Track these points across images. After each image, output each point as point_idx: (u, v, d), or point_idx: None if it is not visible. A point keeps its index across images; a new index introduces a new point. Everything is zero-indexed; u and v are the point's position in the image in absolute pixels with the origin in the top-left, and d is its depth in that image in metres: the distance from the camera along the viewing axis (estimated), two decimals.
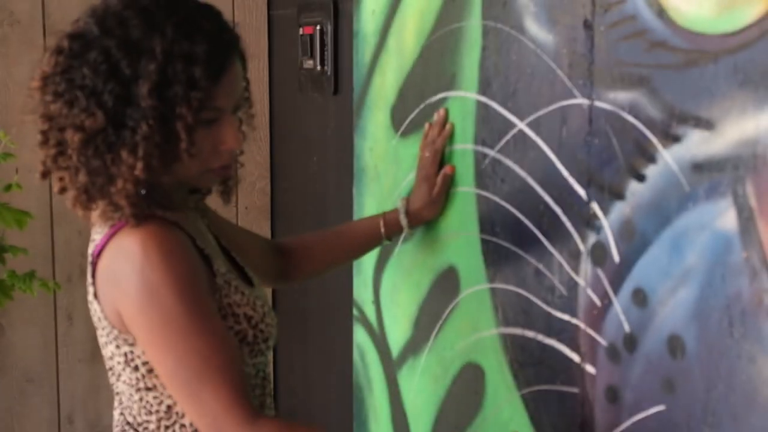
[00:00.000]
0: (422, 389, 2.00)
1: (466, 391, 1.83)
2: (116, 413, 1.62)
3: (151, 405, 1.54)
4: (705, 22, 1.21)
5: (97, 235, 1.50)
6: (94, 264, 1.49)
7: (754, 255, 1.16)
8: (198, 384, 1.42)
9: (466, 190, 1.79)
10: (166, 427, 1.55)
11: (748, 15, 1.15)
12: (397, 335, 2.09)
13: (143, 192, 1.45)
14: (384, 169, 2.11)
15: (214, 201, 1.69)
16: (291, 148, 2.93)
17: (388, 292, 2.13)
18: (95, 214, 1.50)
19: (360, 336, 2.30)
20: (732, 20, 1.17)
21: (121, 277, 1.44)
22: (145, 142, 1.41)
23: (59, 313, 3.00)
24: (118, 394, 1.60)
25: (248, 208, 3.07)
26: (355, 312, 2.32)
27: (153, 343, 1.44)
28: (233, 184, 1.71)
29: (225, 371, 1.43)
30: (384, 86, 2.08)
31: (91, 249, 1.51)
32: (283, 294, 2.99)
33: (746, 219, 1.17)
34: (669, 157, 1.28)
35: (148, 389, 1.53)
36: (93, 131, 1.41)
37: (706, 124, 1.22)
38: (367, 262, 2.21)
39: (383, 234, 1.90)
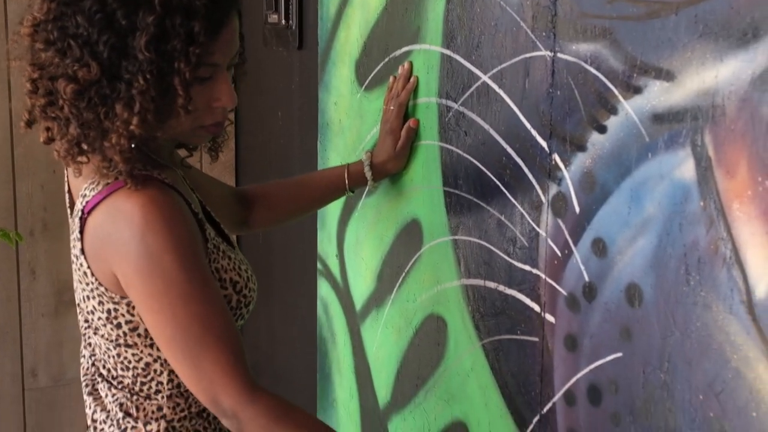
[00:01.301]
0: (385, 341, 2.02)
1: (428, 342, 1.85)
2: (86, 362, 1.63)
3: (129, 361, 1.55)
4: None
5: (89, 191, 1.47)
6: (84, 219, 1.47)
7: (710, 204, 1.18)
8: (198, 350, 1.42)
9: (429, 143, 1.80)
10: (143, 384, 1.56)
11: None
12: (361, 288, 2.11)
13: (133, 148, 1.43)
14: (348, 124, 2.12)
15: None
16: (256, 102, 2.92)
17: (351, 246, 2.15)
18: (87, 168, 1.48)
19: (324, 289, 2.31)
20: None
21: (120, 241, 1.42)
22: (141, 96, 1.38)
23: (22, 267, 3.00)
24: (90, 345, 1.60)
25: (212, 164, 3.06)
26: (319, 266, 2.33)
27: (153, 309, 1.43)
28: (222, 141, 1.71)
29: (225, 339, 1.43)
30: (348, 40, 2.09)
31: (80, 204, 1.49)
32: (248, 248, 3.00)
33: (704, 169, 1.19)
34: (630, 108, 1.30)
35: (128, 346, 1.53)
36: (86, 83, 1.38)
37: (667, 75, 1.23)
38: (331, 215, 2.22)
39: (347, 185, 1.91)
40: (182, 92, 1.40)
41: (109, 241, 1.43)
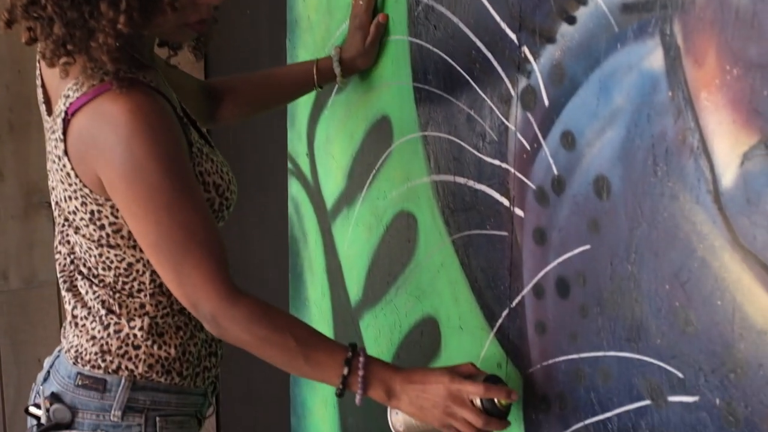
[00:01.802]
0: (356, 239, 2.03)
1: (398, 239, 1.86)
2: (63, 259, 1.63)
3: (111, 261, 1.56)
4: None
5: (73, 92, 1.45)
6: (67, 120, 1.45)
7: (679, 94, 1.18)
8: (181, 256, 1.43)
9: (399, 38, 1.79)
10: (125, 283, 1.57)
11: None
12: (331, 187, 2.11)
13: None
14: (317, 20, 2.09)
15: None
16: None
17: (322, 144, 2.14)
18: (75, 69, 1.45)
19: (294, 189, 2.31)
20: None
21: (105, 145, 1.41)
22: None
23: None
24: (69, 243, 1.60)
25: (181, 64, 3.02)
26: (289, 165, 2.32)
27: (137, 215, 1.43)
28: (206, 40, 1.69)
29: (207, 245, 1.44)
30: None
31: (63, 105, 1.47)
32: (218, 148, 2.98)
33: (673, 58, 1.19)
34: None
35: (110, 246, 1.54)
36: None
37: None
38: (301, 113, 2.20)
39: (315, 81, 1.90)
40: None
41: (95, 145, 1.43)
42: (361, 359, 1.48)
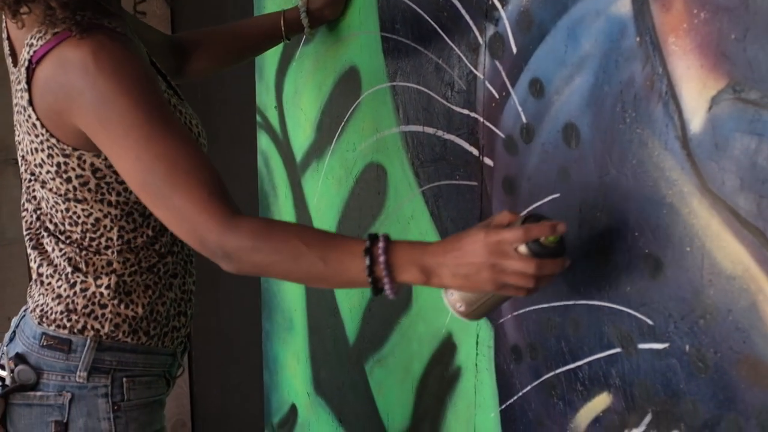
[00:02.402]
0: (326, 192, 2.01)
1: (368, 191, 1.84)
2: (30, 216, 1.60)
3: (78, 216, 1.53)
4: None
5: (36, 40, 1.42)
6: (32, 70, 1.43)
7: (646, 39, 1.17)
8: (169, 190, 1.36)
9: None
10: (92, 239, 1.55)
11: None
12: (301, 139, 2.09)
13: None
14: None
15: None
16: None
17: (290, 96, 2.12)
18: (31, 18, 1.42)
19: (264, 142, 2.29)
20: None
21: (74, 91, 1.38)
22: None
23: None
24: (35, 198, 1.58)
25: (148, 16, 2.99)
26: (258, 118, 2.30)
27: (119, 156, 1.39)
28: None
29: (195, 173, 1.37)
30: None
31: (26, 54, 1.44)
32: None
33: (640, 3, 1.17)
34: None
35: (77, 201, 1.51)
36: None
37: None
38: (269, 65, 2.18)
39: (283, 32, 1.87)
40: None
41: (64, 94, 1.40)
42: (381, 244, 1.30)
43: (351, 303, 1.96)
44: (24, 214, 1.62)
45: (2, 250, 3.06)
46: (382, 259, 1.30)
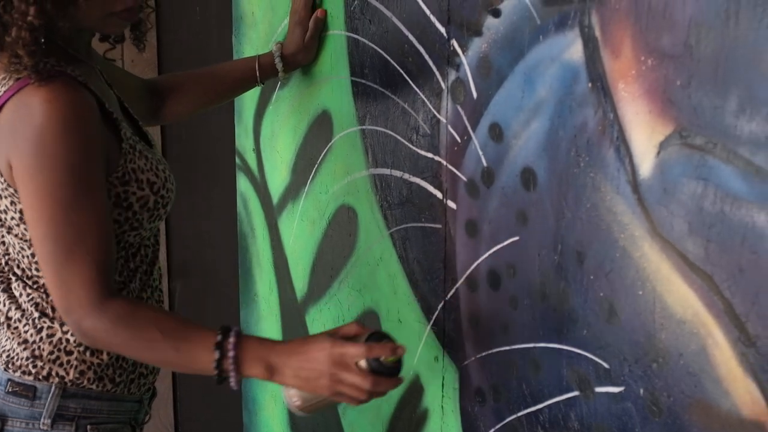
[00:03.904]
0: (301, 233, 2.03)
1: (340, 233, 1.86)
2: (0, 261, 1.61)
3: None
4: None
5: (1, 87, 1.45)
6: None
7: (598, 85, 1.19)
8: (64, 258, 1.41)
9: (337, 32, 1.79)
10: None
11: None
12: (277, 181, 2.11)
13: (43, 41, 1.40)
14: (260, 16, 2.09)
15: None
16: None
17: (267, 139, 2.14)
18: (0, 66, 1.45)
19: (243, 184, 2.30)
20: None
21: (19, 134, 1.40)
22: None
23: None
24: (3, 244, 1.58)
25: (134, 61, 3.01)
26: (237, 161, 2.32)
27: (33, 207, 1.41)
28: (145, 30, 1.68)
29: (95, 252, 1.42)
30: None
31: None
32: (171, 144, 2.98)
33: (591, 50, 1.19)
34: None
35: None
36: None
37: None
38: (248, 109, 2.20)
39: (258, 76, 1.89)
40: None
41: (11, 136, 1.41)
42: (231, 340, 1.41)
43: None
44: None
45: None
46: (231, 354, 1.40)
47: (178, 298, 3.13)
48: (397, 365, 1.40)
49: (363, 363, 1.37)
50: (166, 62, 3.02)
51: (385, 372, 1.38)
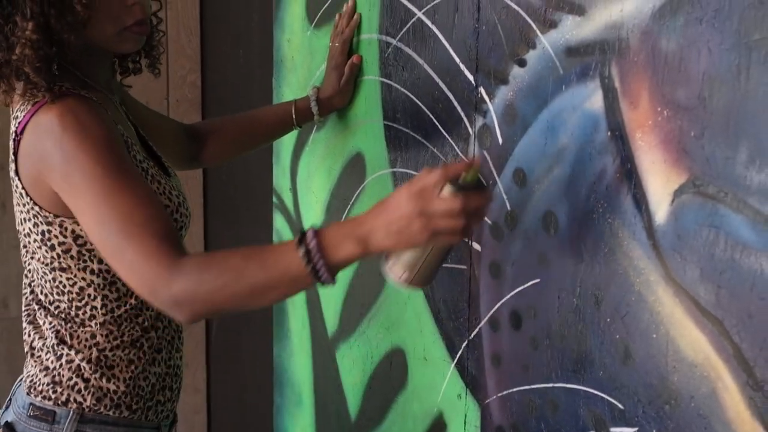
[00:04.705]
0: None
1: (370, 272, 1.90)
2: (27, 290, 1.65)
3: (64, 285, 1.58)
4: None
5: (20, 112, 1.51)
6: (18, 141, 1.50)
7: (617, 134, 1.23)
8: (123, 242, 1.39)
9: (371, 78, 1.84)
10: (78, 308, 1.59)
11: None
12: (311, 220, 2.16)
13: (55, 66, 1.46)
14: (300, 60, 2.15)
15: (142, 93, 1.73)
16: (220, 41, 2.95)
17: (303, 179, 2.19)
18: (17, 94, 1.51)
19: (279, 222, 2.36)
20: None
21: (45, 153, 1.45)
22: (32, 2, 1.42)
23: None
24: (30, 272, 1.63)
25: (179, 101, 3.09)
26: (274, 199, 2.38)
27: (82, 211, 1.44)
28: (158, 54, 1.73)
29: (148, 223, 1.39)
30: None
31: (13, 126, 1.52)
32: (212, 184, 3.05)
33: (611, 100, 1.24)
34: (546, 42, 1.34)
35: (62, 270, 1.56)
36: None
37: (579, 10, 1.27)
38: (285, 150, 2.26)
39: (294, 120, 1.95)
40: None
41: (38, 157, 1.47)
42: (309, 233, 1.32)
43: (354, 379, 2.00)
44: (24, 290, 1.67)
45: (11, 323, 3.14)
46: (313, 244, 1.31)
47: (215, 333, 3.18)
48: (480, 182, 1.30)
49: (446, 190, 1.27)
50: (210, 102, 3.10)
51: (470, 189, 1.27)
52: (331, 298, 2.09)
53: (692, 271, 1.14)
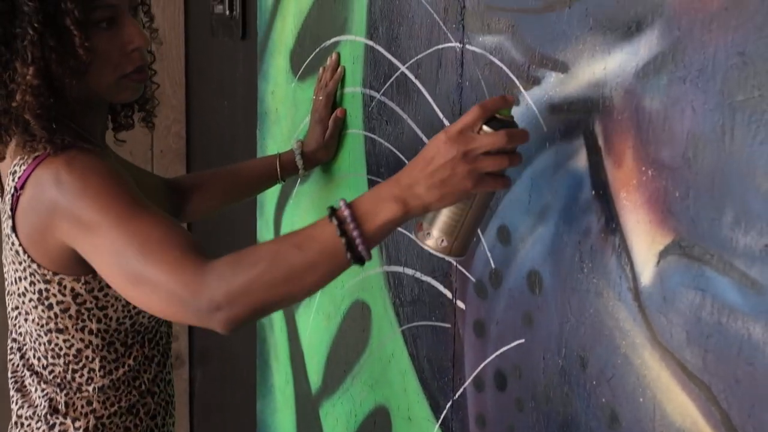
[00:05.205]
0: (316, 327, 2.04)
1: (354, 329, 1.88)
2: (15, 357, 1.61)
3: (60, 348, 1.53)
4: None
5: (19, 167, 1.46)
6: (17, 197, 1.46)
7: (601, 193, 1.21)
8: (143, 264, 1.31)
9: (355, 132, 1.83)
10: (74, 372, 1.54)
11: None
12: None
13: (53, 115, 1.42)
14: (284, 113, 2.14)
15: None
16: (205, 92, 2.94)
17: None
18: (11, 148, 1.48)
19: None
20: None
21: (50, 201, 1.40)
22: (33, 46, 1.39)
23: None
24: (20, 335, 1.58)
25: (163, 152, 3.08)
26: None
27: (97, 249, 1.37)
28: (152, 108, 1.71)
29: (167, 240, 1.32)
30: (284, 30, 2.11)
31: (11, 182, 1.48)
32: (195, 235, 3.02)
33: (595, 158, 1.22)
34: (530, 98, 1.33)
35: (59, 331, 1.52)
36: None
37: (562, 67, 1.26)
38: (269, 202, 2.24)
39: (279, 173, 1.93)
40: (76, 31, 1.40)
41: (43, 208, 1.42)
42: (341, 202, 1.23)
43: None
44: (10, 356, 1.62)
45: None
46: (346, 213, 1.22)
47: (198, 386, 3.14)
48: (513, 119, 1.23)
49: (485, 130, 1.19)
50: (194, 153, 3.09)
51: (508, 126, 1.21)
52: (315, 354, 2.06)
53: (679, 335, 1.11)
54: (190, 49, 3.02)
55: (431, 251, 1.28)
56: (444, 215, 1.25)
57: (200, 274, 1.27)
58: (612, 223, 1.20)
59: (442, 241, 1.26)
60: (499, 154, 1.19)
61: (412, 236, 1.33)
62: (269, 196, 2.23)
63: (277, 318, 2.25)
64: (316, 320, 2.04)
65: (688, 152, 1.08)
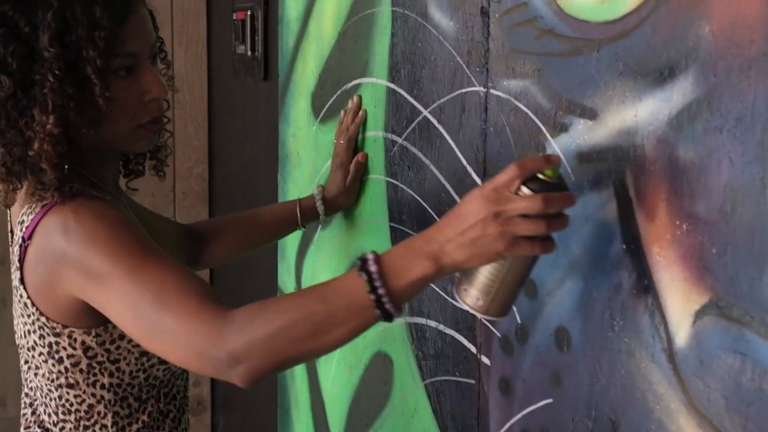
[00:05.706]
0: (338, 377, 1.98)
1: (376, 381, 1.81)
2: (27, 412, 1.55)
3: (71, 404, 1.48)
4: (589, 10, 1.20)
5: (27, 216, 1.42)
6: (25, 248, 1.41)
7: (632, 247, 1.15)
8: (159, 314, 1.26)
9: (377, 177, 1.77)
10: (86, 428, 1.49)
11: (628, 3, 1.13)
12: None
13: (66, 165, 1.38)
14: (305, 156, 2.09)
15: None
16: (227, 133, 2.91)
17: (308, 279, 2.12)
18: (21, 194, 1.44)
19: None
20: (613, 8, 1.15)
21: (58, 252, 1.35)
22: (53, 93, 1.34)
23: None
24: (32, 390, 1.53)
25: (185, 194, 3.04)
26: None
27: (110, 301, 1.32)
28: (164, 157, 1.66)
29: (183, 289, 1.27)
30: (305, 72, 2.06)
31: (19, 232, 1.44)
32: (217, 279, 2.97)
33: (626, 210, 1.16)
34: (557, 146, 1.26)
35: (69, 386, 1.46)
36: (2, 99, 1.35)
37: (590, 113, 1.20)
38: (290, 249, 2.19)
39: (299, 219, 1.88)
40: (98, 81, 1.35)
41: (52, 260, 1.37)
42: (370, 257, 1.17)
43: None
44: (23, 411, 1.57)
45: None
46: (374, 268, 1.16)
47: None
48: (561, 180, 1.14)
49: (523, 190, 1.12)
50: (216, 195, 3.05)
51: (552, 188, 1.12)
52: (336, 406, 2.00)
53: (717, 401, 1.04)
54: (212, 90, 2.99)
55: (469, 310, 1.22)
56: (481, 274, 1.19)
57: (219, 325, 1.22)
58: (644, 280, 1.13)
59: (479, 299, 1.20)
60: (538, 218, 1.12)
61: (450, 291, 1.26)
62: (290, 242, 2.18)
63: (299, 367, 2.19)
64: (338, 370, 1.98)
65: (726, 206, 1.01)
